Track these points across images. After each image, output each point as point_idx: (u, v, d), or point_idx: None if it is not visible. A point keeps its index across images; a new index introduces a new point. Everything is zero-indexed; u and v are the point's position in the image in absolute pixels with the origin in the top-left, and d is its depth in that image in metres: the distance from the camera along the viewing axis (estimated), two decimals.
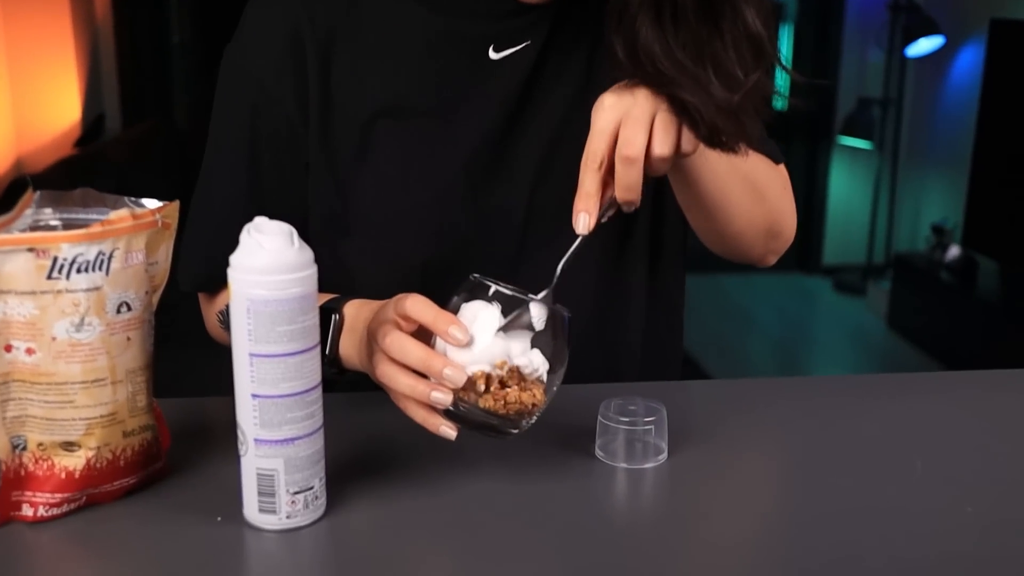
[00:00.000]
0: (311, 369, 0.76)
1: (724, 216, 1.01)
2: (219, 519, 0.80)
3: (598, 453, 0.90)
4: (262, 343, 0.74)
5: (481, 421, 0.81)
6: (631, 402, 0.91)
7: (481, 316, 0.80)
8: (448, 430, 0.81)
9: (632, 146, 0.82)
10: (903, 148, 4.73)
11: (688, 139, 0.84)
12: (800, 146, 4.84)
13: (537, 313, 0.82)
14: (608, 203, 0.84)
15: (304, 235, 1.04)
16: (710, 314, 3.99)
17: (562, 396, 0.84)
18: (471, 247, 1.04)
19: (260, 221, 0.76)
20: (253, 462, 0.77)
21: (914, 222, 4.68)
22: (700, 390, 1.11)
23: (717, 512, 0.84)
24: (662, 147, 0.83)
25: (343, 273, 1.05)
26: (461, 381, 0.78)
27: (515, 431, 0.82)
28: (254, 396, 0.75)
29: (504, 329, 0.80)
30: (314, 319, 0.76)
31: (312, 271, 0.76)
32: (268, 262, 0.74)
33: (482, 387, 0.79)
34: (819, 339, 4.33)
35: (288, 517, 0.78)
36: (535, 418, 0.82)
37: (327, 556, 0.78)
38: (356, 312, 0.94)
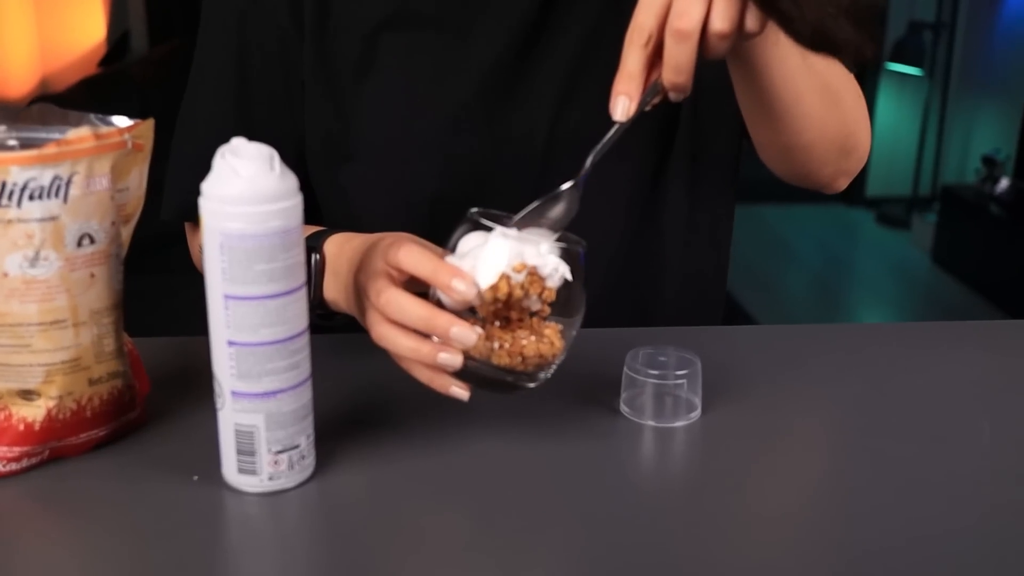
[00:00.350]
0: (295, 313, 0.67)
1: (794, 122, 0.88)
2: (196, 478, 0.71)
3: (623, 408, 0.80)
4: (238, 283, 0.65)
5: (493, 377, 0.71)
6: (661, 352, 0.82)
7: (489, 248, 0.70)
8: (459, 391, 0.71)
9: (686, 18, 0.69)
10: (955, 75, 4.52)
11: (754, 16, 0.70)
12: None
13: (562, 209, 0.73)
14: (652, 89, 0.73)
15: (300, 160, 0.96)
16: (748, 245, 3.86)
17: (583, 342, 0.75)
18: (485, 180, 0.93)
19: (237, 143, 0.66)
20: (231, 417, 0.68)
21: (963, 153, 4.50)
22: (739, 337, 1.01)
23: (755, 478, 0.74)
24: (722, 22, 0.69)
25: (344, 203, 0.95)
26: (471, 341, 0.69)
27: (532, 385, 0.73)
28: (230, 343, 0.66)
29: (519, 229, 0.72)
30: (299, 256, 0.67)
31: (296, 201, 0.66)
32: (243, 190, 0.64)
33: (493, 297, 0.69)
34: (861, 273, 4.19)
35: (271, 479, 0.69)
36: (553, 369, 0.73)
37: (315, 522, 0.69)
38: (338, 250, 0.83)
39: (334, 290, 0.82)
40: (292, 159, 0.95)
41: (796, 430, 0.82)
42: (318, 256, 0.84)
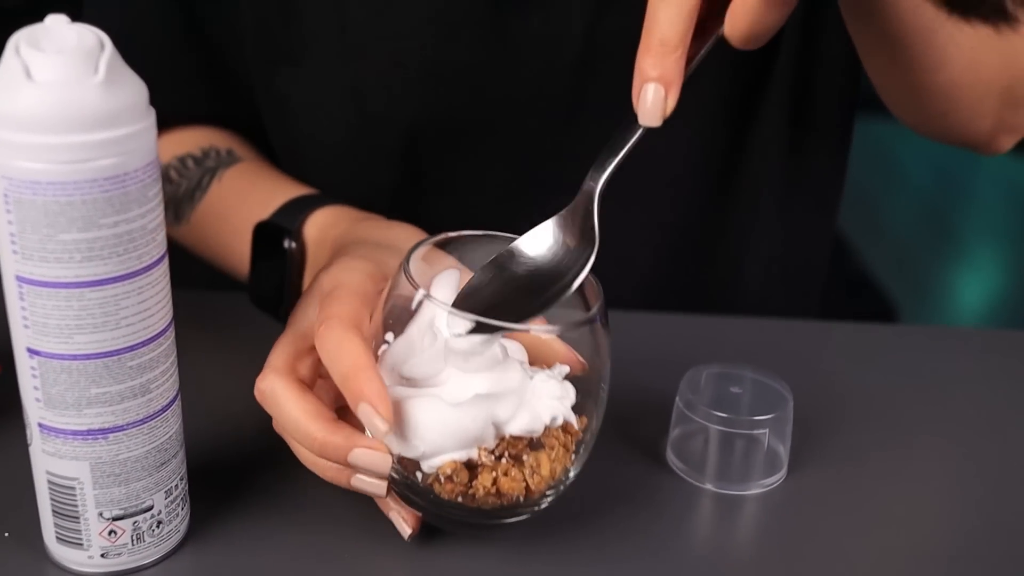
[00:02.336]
0: (144, 309, 0.42)
1: (930, 51, 0.58)
2: (7, 535, 0.47)
3: (670, 458, 0.54)
4: (35, 260, 0.40)
5: (455, 519, 0.45)
6: (734, 376, 0.55)
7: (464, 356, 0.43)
8: (402, 524, 0.46)
9: None
10: None
11: None
12: None
13: (556, 249, 0.44)
14: (709, 45, 0.43)
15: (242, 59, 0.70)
16: (854, 165, 3.50)
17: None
18: (488, 106, 0.66)
19: (47, 24, 0.40)
20: (41, 462, 0.44)
21: None
22: (844, 338, 0.72)
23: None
24: None
25: (284, 121, 0.69)
26: (382, 469, 0.43)
27: (520, 518, 0.46)
28: (31, 352, 0.41)
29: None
30: (147, 218, 0.41)
31: (140, 128, 0.40)
32: (39, 107, 0.38)
33: (456, 478, 0.43)
34: (979, 201, 3.79)
35: (104, 555, 0.45)
36: (549, 499, 0.46)
37: None
38: (321, 237, 0.57)
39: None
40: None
41: (935, 505, 0.54)
42: (292, 244, 0.58)
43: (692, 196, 0.72)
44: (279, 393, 0.44)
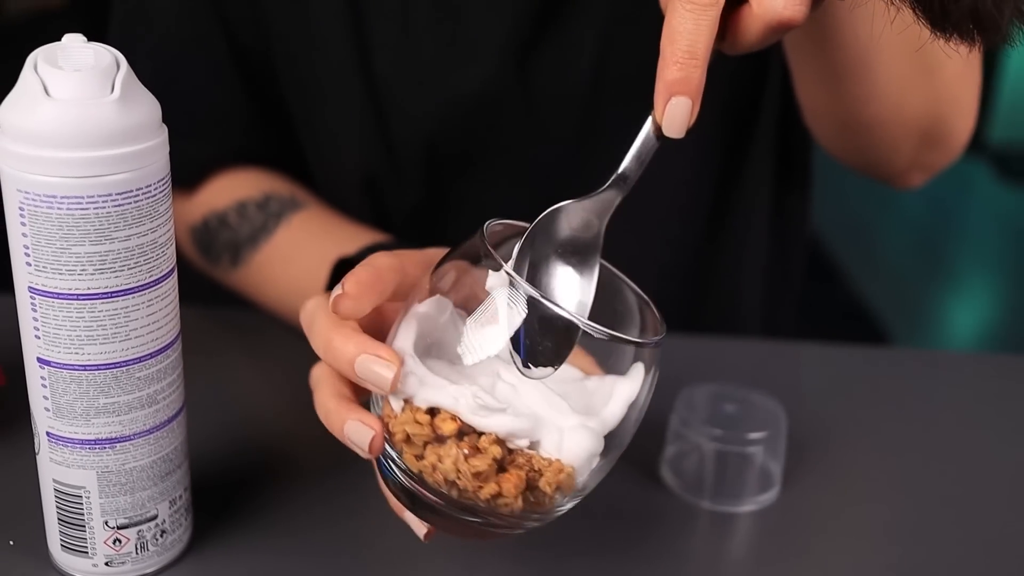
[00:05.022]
0: (152, 321, 0.42)
1: (857, 87, 0.61)
2: (11, 543, 0.48)
3: (665, 475, 0.55)
4: (47, 272, 0.40)
5: (448, 513, 0.42)
6: (728, 394, 0.56)
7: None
8: (417, 524, 0.44)
9: None
10: None
11: None
12: None
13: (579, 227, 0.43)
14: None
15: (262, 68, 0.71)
16: (847, 192, 3.53)
17: None
18: (505, 130, 0.68)
19: (64, 43, 0.41)
20: (48, 470, 0.44)
21: None
22: (836, 362, 0.73)
23: None
24: None
25: (319, 149, 0.70)
26: (365, 442, 0.41)
27: (510, 531, 0.43)
28: (42, 362, 0.42)
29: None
30: (157, 233, 0.42)
31: (152, 145, 0.41)
32: (56, 123, 0.39)
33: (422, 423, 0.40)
34: (972, 231, 3.82)
35: (109, 564, 0.45)
36: (566, 507, 0.43)
37: None
38: None
39: None
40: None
41: (925, 522, 0.55)
42: None
43: (690, 222, 0.74)
44: (319, 310, 0.44)
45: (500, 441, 0.39)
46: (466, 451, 0.39)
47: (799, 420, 0.58)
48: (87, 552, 0.45)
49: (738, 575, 0.51)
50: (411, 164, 0.68)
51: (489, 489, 0.39)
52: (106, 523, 0.44)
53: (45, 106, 0.39)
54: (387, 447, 0.41)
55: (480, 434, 0.39)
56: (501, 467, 0.39)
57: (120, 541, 0.45)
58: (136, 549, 0.45)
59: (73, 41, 0.41)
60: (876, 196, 3.74)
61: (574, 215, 0.42)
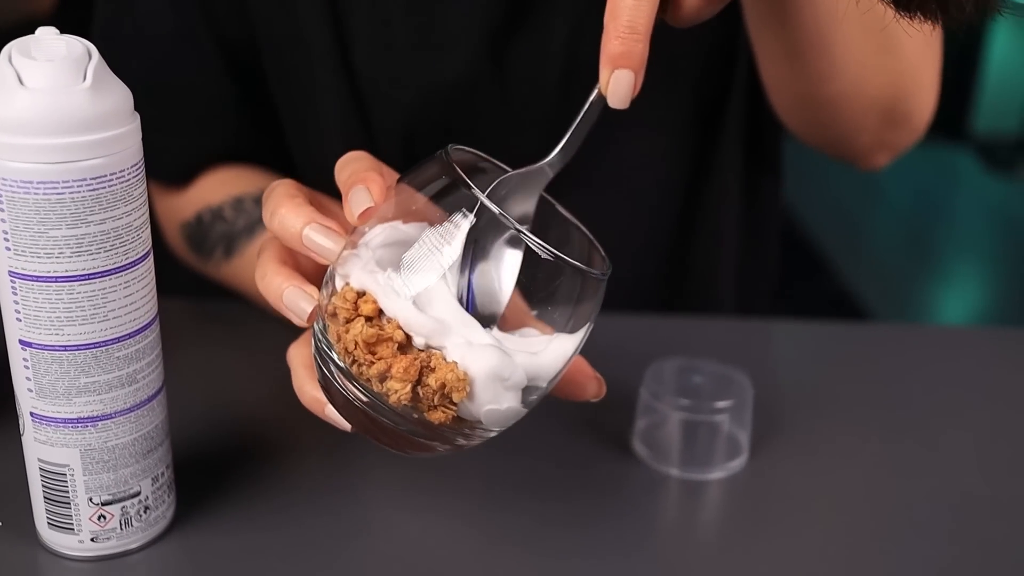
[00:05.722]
0: (130, 302, 0.44)
1: (818, 63, 0.63)
2: (0, 524, 0.49)
3: (636, 447, 0.56)
4: (26, 256, 0.42)
5: (380, 419, 0.43)
6: (695, 367, 0.57)
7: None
8: (339, 419, 0.45)
9: None
10: None
11: None
12: None
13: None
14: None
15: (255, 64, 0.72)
16: (835, 184, 3.55)
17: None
18: (480, 117, 0.69)
19: (38, 35, 0.42)
20: (33, 450, 0.46)
21: None
22: (806, 337, 0.75)
23: (824, 567, 0.50)
24: None
25: (306, 138, 0.72)
26: (302, 310, 0.44)
27: (444, 447, 0.44)
28: (23, 344, 0.44)
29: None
30: (132, 216, 0.43)
31: (124, 131, 0.43)
32: (29, 110, 0.40)
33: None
34: (958, 220, 3.84)
35: (94, 539, 0.47)
36: (469, 437, 0.44)
37: None
38: None
39: None
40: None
41: (887, 488, 0.57)
42: None
43: (665, 207, 0.76)
44: (278, 187, 0.47)
45: (407, 335, 0.41)
46: (369, 327, 0.41)
47: (767, 392, 0.60)
48: (73, 529, 0.46)
49: (708, 539, 0.53)
50: (393, 153, 0.70)
51: (379, 367, 0.41)
52: (90, 500, 0.46)
53: (19, 95, 0.41)
54: (322, 326, 0.44)
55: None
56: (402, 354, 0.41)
57: (104, 517, 0.46)
58: (120, 525, 0.47)
59: (46, 33, 0.43)
60: (862, 188, 3.76)
61: (516, 181, 0.45)
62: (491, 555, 0.49)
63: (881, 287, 2.80)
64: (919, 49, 0.67)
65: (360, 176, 0.44)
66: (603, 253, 0.45)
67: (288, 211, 0.45)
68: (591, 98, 0.43)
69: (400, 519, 0.51)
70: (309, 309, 0.44)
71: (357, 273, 0.42)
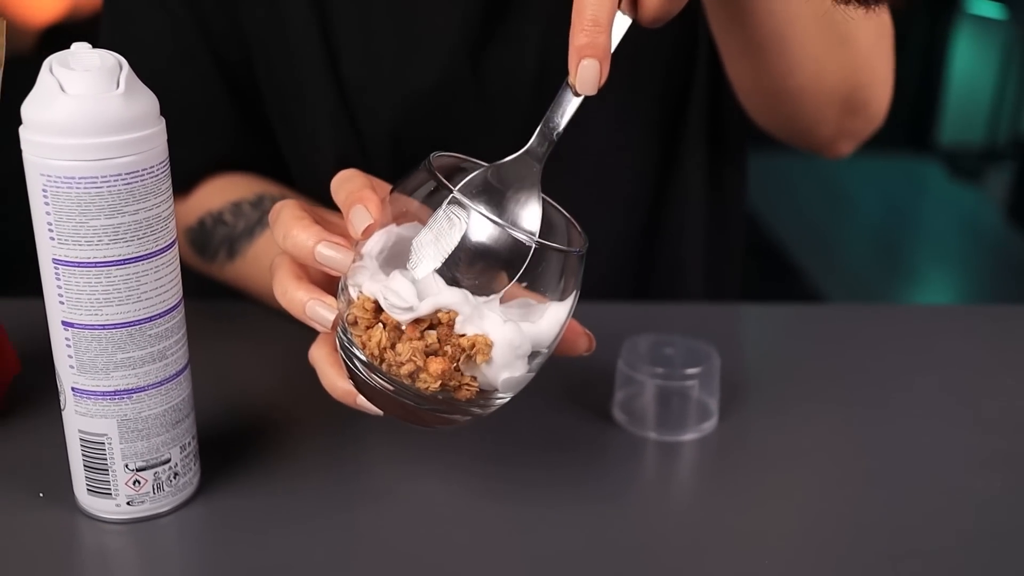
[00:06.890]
0: (160, 284, 0.49)
1: (779, 59, 0.69)
2: (41, 495, 0.54)
3: (616, 414, 0.62)
4: (68, 244, 0.47)
5: (394, 398, 0.49)
6: (667, 341, 0.63)
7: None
8: (369, 406, 0.51)
9: None
10: None
11: None
12: (920, 11, 4.32)
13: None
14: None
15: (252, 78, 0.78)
16: (805, 196, 3.63)
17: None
18: (458, 123, 0.75)
19: (73, 50, 0.48)
20: (74, 422, 0.51)
21: None
22: (770, 318, 0.81)
23: (788, 513, 0.56)
24: None
25: (298, 147, 0.78)
26: (324, 320, 0.50)
27: (457, 416, 0.50)
28: (66, 324, 0.49)
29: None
30: (160, 208, 0.49)
31: (153, 132, 0.48)
32: (71, 114, 0.46)
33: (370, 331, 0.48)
34: (926, 229, 3.93)
35: (130, 503, 0.52)
36: (489, 405, 0.50)
37: (192, 563, 0.52)
38: None
39: None
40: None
41: (843, 445, 0.63)
42: None
43: (635, 200, 0.82)
44: (285, 208, 0.52)
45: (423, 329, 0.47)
46: (388, 333, 0.47)
47: (733, 363, 0.66)
48: (111, 493, 0.51)
49: (683, 495, 0.58)
50: (380, 157, 0.76)
51: (408, 367, 0.46)
52: (126, 466, 0.51)
53: (62, 101, 0.46)
54: (344, 329, 0.49)
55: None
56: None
57: (139, 483, 0.52)
58: (153, 489, 0.52)
59: (80, 48, 0.48)
60: (831, 198, 3.84)
61: (505, 168, 0.50)
62: (489, 512, 0.54)
63: (851, 295, 2.87)
64: (871, 41, 0.73)
65: (356, 196, 0.50)
66: (579, 228, 0.51)
67: (299, 232, 0.50)
68: (560, 88, 0.49)
69: (404, 486, 0.57)
70: (331, 318, 0.50)
71: (368, 283, 0.48)
